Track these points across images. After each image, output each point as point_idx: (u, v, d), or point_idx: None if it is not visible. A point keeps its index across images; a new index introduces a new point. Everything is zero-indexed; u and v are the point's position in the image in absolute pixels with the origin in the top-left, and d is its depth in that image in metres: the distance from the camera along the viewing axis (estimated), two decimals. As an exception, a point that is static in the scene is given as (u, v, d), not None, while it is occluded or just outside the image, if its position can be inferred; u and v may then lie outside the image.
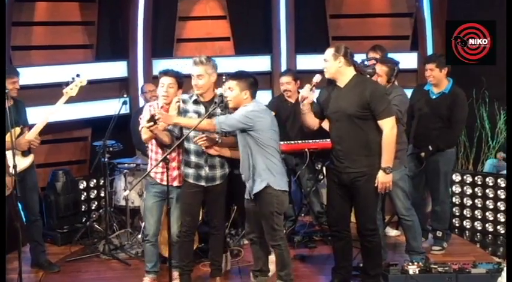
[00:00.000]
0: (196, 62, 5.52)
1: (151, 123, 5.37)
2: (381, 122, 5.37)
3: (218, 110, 5.52)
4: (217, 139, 5.53)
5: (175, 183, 5.75)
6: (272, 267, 5.92)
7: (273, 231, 5.45)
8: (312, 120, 5.65)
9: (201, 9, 8.82)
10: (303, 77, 7.19)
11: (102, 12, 8.31)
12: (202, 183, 5.61)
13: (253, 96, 5.45)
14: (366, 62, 5.91)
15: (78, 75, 6.25)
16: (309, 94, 5.52)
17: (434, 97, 6.63)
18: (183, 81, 5.83)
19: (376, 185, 5.41)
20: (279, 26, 8.72)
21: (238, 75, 5.47)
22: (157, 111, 5.42)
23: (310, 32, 8.87)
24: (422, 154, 6.56)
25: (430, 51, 8.26)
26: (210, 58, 5.60)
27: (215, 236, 5.81)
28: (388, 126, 5.36)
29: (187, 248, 5.75)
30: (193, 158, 5.59)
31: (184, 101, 5.62)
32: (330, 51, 5.45)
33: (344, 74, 5.45)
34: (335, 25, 8.83)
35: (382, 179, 5.39)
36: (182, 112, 5.58)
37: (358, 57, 6.79)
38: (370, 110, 5.35)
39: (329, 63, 5.44)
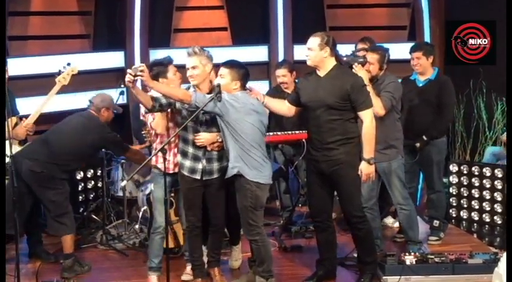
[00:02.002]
0: (190, 52, 5.46)
1: (132, 74, 5.11)
2: (360, 114, 5.38)
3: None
4: (218, 138, 5.50)
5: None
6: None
7: (249, 226, 5.41)
8: (283, 109, 5.69)
9: (198, -1, 8.82)
10: (300, 67, 7.18)
11: (99, 2, 8.30)
12: (197, 177, 5.55)
13: (243, 87, 5.41)
14: (356, 53, 5.90)
15: (69, 64, 6.27)
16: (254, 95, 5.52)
17: (421, 85, 6.62)
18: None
19: (359, 174, 5.42)
20: (276, 16, 8.72)
21: (232, 64, 5.41)
22: (142, 67, 5.18)
23: (308, 22, 8.85)
24: (417, 144, 6.56)
25: (427, 41, 8.24)
26: (203, 49, 5.53)
27: (215, 233, 5.77)
28: (368, 117, 5.38)
29: (194, 243, 5.72)
30: (190, 149, 5.55)
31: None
32: (316, 41, 5.41)
33: (326, 64, 5.44)
34: (332, 15, 8.82)
35: (366, 170, 5.40)
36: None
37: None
38: (350, 101, 5.35)
39: (314, 52, 5.41)
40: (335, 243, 5.80)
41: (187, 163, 5.55)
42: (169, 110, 5.58)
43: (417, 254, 5.83)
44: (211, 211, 5.69)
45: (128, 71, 5.16)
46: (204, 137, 5.48)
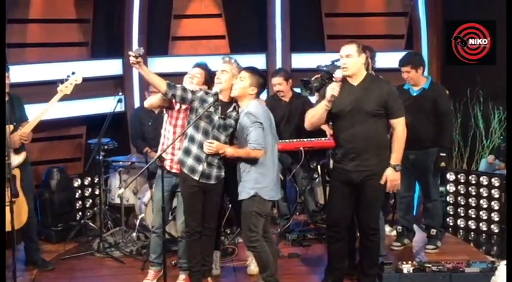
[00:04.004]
0: (225, 60, 5.60)
1: (134, 55, 5.28)
2: (395, 121, 5.40)
3: (233, 114, 5.52)
4: (222, 151, 5.46)
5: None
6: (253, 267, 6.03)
7: (249, 232, 5.40)
8: (324, 118, 5.56)
9: (196, 7, 8.83)
10: (298, 75, 7.18)
11: (98, 10, 8.31)
12: (196, 178, 5.55)
13: (258, 95, 5.46)
14: (335, 62, 5.80)
15: (73, 73, 6.25)
16: (337, 91, 5.39)
17: (415, 94, 6.63)
18: (212, 77, 5.79)
19: (383, 182, 5.41)
20: (274, 24, 8.74)
21: (253, 71, 5.50)
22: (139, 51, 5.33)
23: (306, 30, 8.88)
24: (443, 164, 6.56)
25: (424, 50, 8.27)
26: (238, 63, 5.63)
27: (207, 237, 5.76)
28: (401, 125, 5.41)
29: (193, 248, 5.71)
30: (195, 149, 5.53)
31: (206, 93, 5.59)
32: (353, 47, 5.39)
33: (361, 72, 5.44)
34: (330, 24, 8.84)
35: (392, 176, 5.40)
36: (201, 100, 5.51)
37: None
38: (386, 108, 5.37)
39: (353, 59, 5.37)
40: (346, 254, 5.79)
41: (189, 161, 5.55)
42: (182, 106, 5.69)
43: (415, 262, 5.84)
44: (207, 214, 5.69)
45: (130, 53, 5.31)
46: (216, 147, 5.43)
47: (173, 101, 5.63)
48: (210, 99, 5.51)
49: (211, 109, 5.46)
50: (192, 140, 5.55)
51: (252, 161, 5.33)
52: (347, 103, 5.41)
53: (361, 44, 5.47)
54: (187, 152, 5.58)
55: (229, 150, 5.41)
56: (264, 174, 5.36)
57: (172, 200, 5.97)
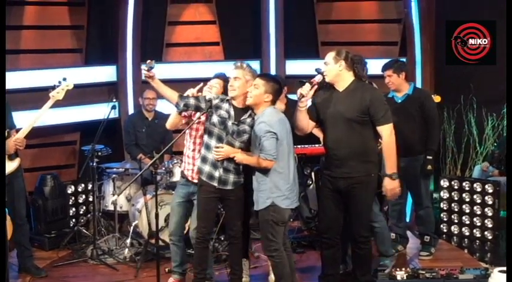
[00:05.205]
0: (237, 65, 5.55)
1: (146, 68, 5.33)
2: (379, 128, 5.36)
3: (248, 120, 5.47)
4: (234, 156, 5.42)
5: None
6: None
7: (268, 241, 5.37)
8: (306, 121, 5.54)
9: (190, 13, 8.84)
10: (292, 82, 7.19)
11: (92, 17, 8.32)
12: (215, 184, 5.52)
13: (273, 102, 5.43)
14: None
15: (64, 79, 6.26)
16: (308, 93, 5.39)
17: (399, 101, 6.64)
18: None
19: (379, 191, 5.42)
20: (268, 31, 8.74)
21: (267, 77, 5.49)
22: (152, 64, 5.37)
23: (300, 37, 8.90)
24: (429, 167, 6.56)
25: (418, 57, 8.30)
26: (251, 67, 5.59)
27: (234, 244, 5.73)
28: (387, 132, 5.35)
29: (201, 254, 5.67)
30: (210, 155, 5.51)
31: (221, 99, 5.56)
32: (331, 55, 5.43)
33: (343, 78, 5.42)
34: (324, 30, 8.86)
35: (389, 185, 5.38)
36: (214, 107, 5.51)
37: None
38: (369, 115, 5.34)
39: (330, 66, 5.41)
40: (340, 260, 5.79)
41: (206, 168, 5.54)
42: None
43: (408, 269, 5.85)
44: (229, 221, 5.69)
45: (142, 67, 5.36)
46: (225, 151, 5.41)
47: (192, 113, 5.65)
48: (225, 106, 5.50)
49: (226, 115, 5.45)
50: (207, 147, 5.55)
51: (266, 170, 5.29)
52: (331, 109, 5.43)
53: (344, 51, 5.43)
54: (204, 159, 5.57)
55: (240, 156, 5.37)
56: (279, 182, 5.31)
57: (189, 207, 5.89)
